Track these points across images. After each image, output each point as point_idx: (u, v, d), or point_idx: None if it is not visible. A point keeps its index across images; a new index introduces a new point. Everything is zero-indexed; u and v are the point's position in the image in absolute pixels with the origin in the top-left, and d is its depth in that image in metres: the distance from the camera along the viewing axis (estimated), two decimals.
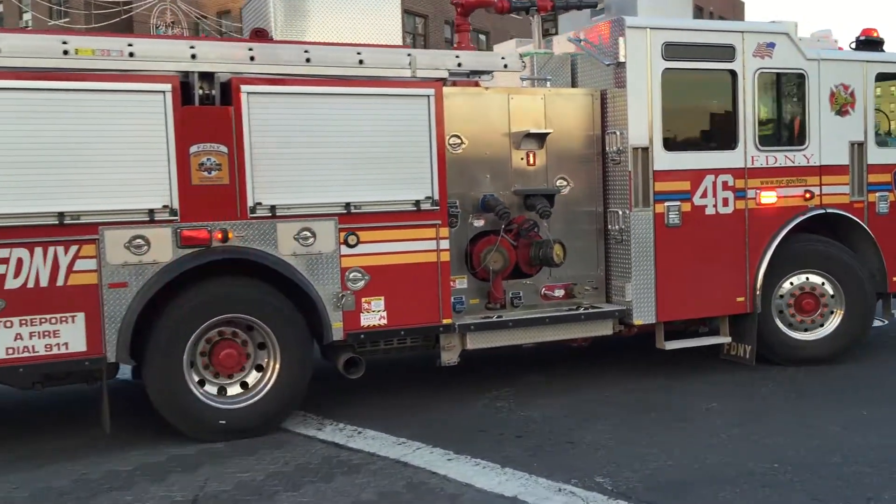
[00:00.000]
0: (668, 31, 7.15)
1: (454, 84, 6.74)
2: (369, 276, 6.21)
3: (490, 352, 6.95)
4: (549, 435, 5.93)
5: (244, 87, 5.80)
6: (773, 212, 7.60)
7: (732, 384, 7.24)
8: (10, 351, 5.34)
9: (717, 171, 7.38)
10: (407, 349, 6.76)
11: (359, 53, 6.16)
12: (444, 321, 6.48)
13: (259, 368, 6.07)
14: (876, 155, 8.06)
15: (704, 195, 7.35)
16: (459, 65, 6.51)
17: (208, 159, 5.76)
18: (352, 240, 6.15)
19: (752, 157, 7.50)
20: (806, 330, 7.78)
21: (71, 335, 5.47)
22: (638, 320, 7.13)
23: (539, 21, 7.99)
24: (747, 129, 7.45)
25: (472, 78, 6.80)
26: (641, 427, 6.08)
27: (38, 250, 5.37)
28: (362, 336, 6.26)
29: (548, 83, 7.38)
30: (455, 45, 7.55)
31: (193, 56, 5.71)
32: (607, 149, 7.23)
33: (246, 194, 5.85)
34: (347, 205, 6.12)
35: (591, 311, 7.09)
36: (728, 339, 7.66)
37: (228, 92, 5.82)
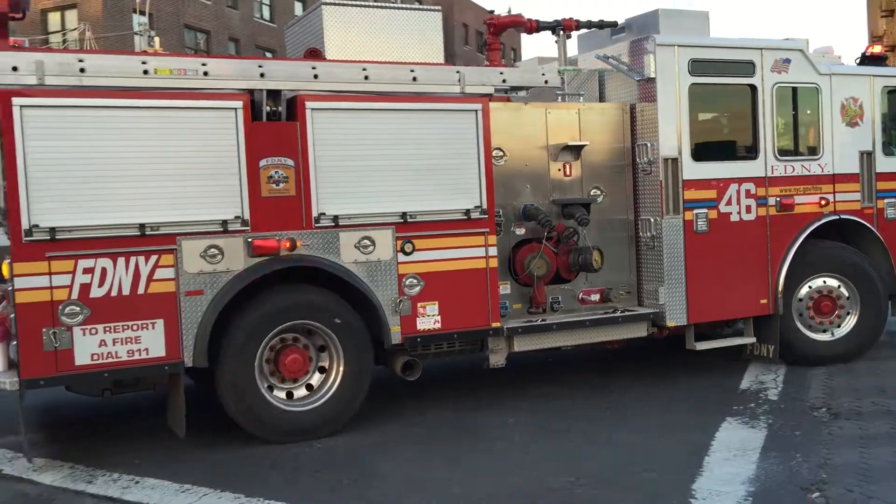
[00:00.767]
0: (694, 48, 7.58)
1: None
2: (424, 283, 6.53)
3: (530, 354, 7.31)
4: (350, 468, 5.58)
5: (308, 104, 6.12)
6: (791, 218, 8.03)
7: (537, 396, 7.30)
8: (96, 357, 5.58)
9: (740, 180, 7.80)
10: (455, 352, 7.08)
11: (412, 71, 6.51)
12: (494, 325, 6.80)
13: (321, 370, 6.35)
14: (883, 164, 8.54)
15: (729, 203, 7.76)
16: (504, 81, 6.89)
17: (276, 172, 6.06)
18: (408, 248, 6.46)
19: (772, 167, 7.93)
20: (824, 331, 8.20)
21: (151, 341, 5.72)
22: (671, 322, 7.50)
23: (564, 40, 8.38)
24: (767, 140, 7.89)
25: (512, 93, 7.17)
26: (446, 452, 5.89)
27: (121, 260, 5.63)
28: (419, 339, 6.56)
29: (581, 98, 7.77)
30: (486, 63, 7.92)
31: (262, 75, 6.02)
32: (637, 159, 7.62)
33: (311, 205, 6.15)
34: (404, 214, 6.44)
35: (627, 314, 7.46)
36: (753, 340, 8.05)
37: (294, 108, 6.14)
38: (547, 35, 8.12)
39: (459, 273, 6.66)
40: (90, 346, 5.56)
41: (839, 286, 8.24)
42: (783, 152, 8.01)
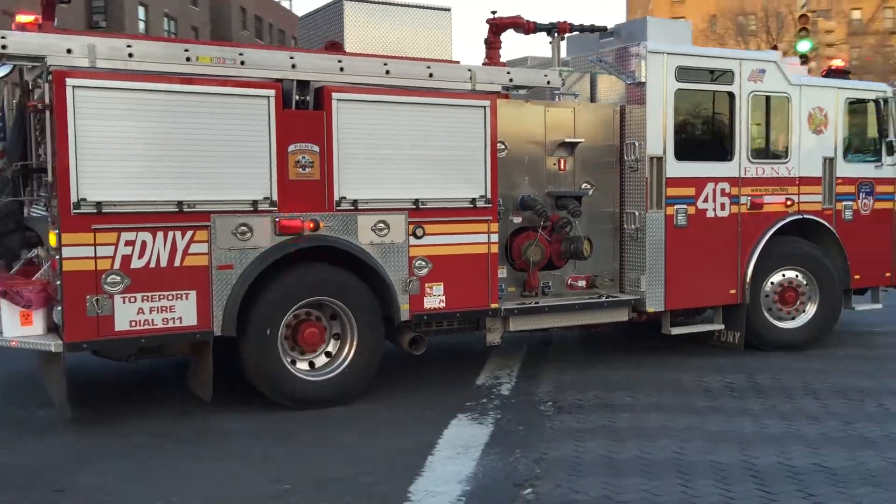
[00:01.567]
0: (681, 56, 8.21)
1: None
2: (432, 265, 7.05)
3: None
4: (35, 485, 5.09)
5: (335, 94, 6.58)
6: (760, 216, 8.74)
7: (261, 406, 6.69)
8: (134, 323, 5.98)
9: (716, 180, 8.47)
10: (455, 331, 7.62)
11: (429, 68, 7.00)
12: (493, 306, 7.36)
13: (336, 337, 6.84)
14: (843, 169, 9.31)
15: (706, 200, 8.43)
16: (511, 80, 7.42)
17: (303, 157, 6.51)
18: (419, 232, 6.97)
19: (745, 168, 8.62)
20: (791, 319, 8.96)
21: (184, 311, 6.14)
22: (651, 308, 8.16)
23: (558, 41, 8.94)
24: (742, 143, 8.58)
25: (518, 92, 7.71)
26: (167, 458, 5.56)
27: (160, 234, 6.03)
28: (425, 317, 7.09)
29: (576, 98, 8.34)
30: (485, 62, 8.42)
31: (293, 66, 6.45)
32: (625, 157, 8.23)
33: (333, 189, 6.62)
34: (416, 201, 6.94)
35: (611, 299, 8.09)
36: (721, 327, 8.76)
37: (321, 98, 6.58)
38: (510, 33, 8.57)
39: (464, 257, 7.19)
40: (129, 314, 5.96)
41: (802, 279, 9.00)
42: (755, 155, 8.70)
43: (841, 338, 9.55)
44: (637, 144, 8.10)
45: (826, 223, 9.19)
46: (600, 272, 8.23)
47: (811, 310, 9.08)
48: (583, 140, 8.00)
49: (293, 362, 6.65)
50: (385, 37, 7.38)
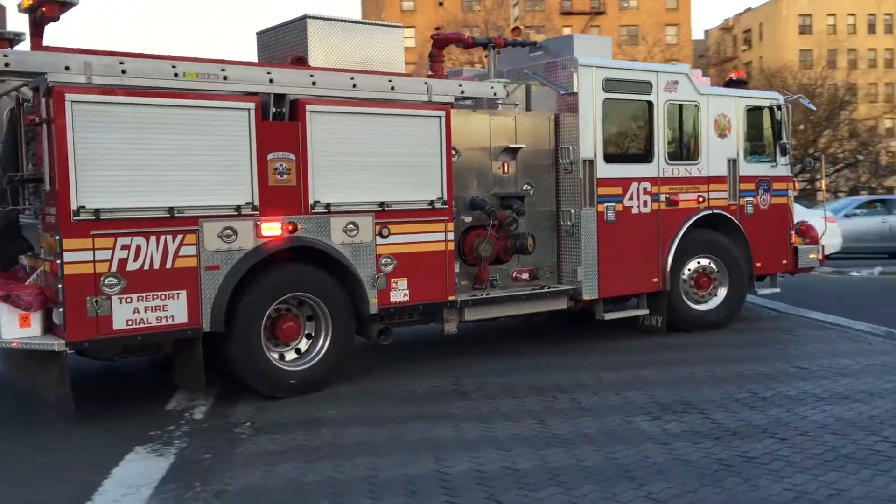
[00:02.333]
0: (607, 69, 9.15)
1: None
2: (396, 262, 7.69)
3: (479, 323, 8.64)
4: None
5: (308, 107, 7.13)
6: (677, 212, 9.78)
7: None
8: (130, 322, 6.38)
9: (639, 180, 9.45)
10: (415, 322, 8.28)
11: (390, 81, 7.64)
12: (450, 298, 8.06)
13: (308, 337, 7.39)
14: (745, 169, 10.47)
15: (631, 198, 9.39)
16: (462, 92, 8.15)
17: (281, 165, 7.04)
18: (385, 231, 7.60)
19: (663, 169, 9.64)
20: (705, 302, 10.05)
21: (176, 309, 6.57)
22: (587, 296, 9.04)
23: (494, 55, 9.72)
24: (660, 147, 9.59)
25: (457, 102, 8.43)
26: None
27: (153, 238, 6.45)
28: (392, 310, 7.72)
29: (516, 108, 9.13)
30: (429, 74, 9.12)
31: (271, 80, 6.98)
32: (560, 160, 9.09)
33: (308, 194, 7.17)
34: (382, 203, 7.57)
35: (552, 289, 8.93)
36: (646, 312, 9.75)
37: (295, 110, 7.12)
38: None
39: (424, 254, 7.86)
40: (126, 313, 6.35)
41: (713, 266, 10.10)
42: (671, 157, 9.73)
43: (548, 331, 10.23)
44: (571, 149, 8.98)
45: (732, 217, 10.32)
46: (541, 265, 9.06)
47: (722, 293, 10.20)
48: (524, 146, 8.80)
49: (281, 357, 7.17)
50: (344, 51, 7.97)
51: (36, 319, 6.33)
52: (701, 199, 10.01)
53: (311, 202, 7.19)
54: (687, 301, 9.93)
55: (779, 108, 10.81)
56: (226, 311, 6.78)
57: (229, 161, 6.79)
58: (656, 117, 9.53)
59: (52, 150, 6.12)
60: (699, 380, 7.60)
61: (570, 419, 6.39)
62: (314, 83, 7.21)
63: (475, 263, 8.49)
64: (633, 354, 8.90)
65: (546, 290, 8.89)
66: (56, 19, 6.41)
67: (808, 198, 30.42)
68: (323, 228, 7.28)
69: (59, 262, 6.13)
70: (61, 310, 6.15)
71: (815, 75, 49.71)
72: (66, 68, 6.11)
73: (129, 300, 6.37)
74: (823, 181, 15.42)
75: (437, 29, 9.35)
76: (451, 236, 8.04)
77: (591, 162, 9.02)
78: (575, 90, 8.90)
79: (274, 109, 7.04)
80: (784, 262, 11.03)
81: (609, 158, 9.17)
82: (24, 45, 6.98)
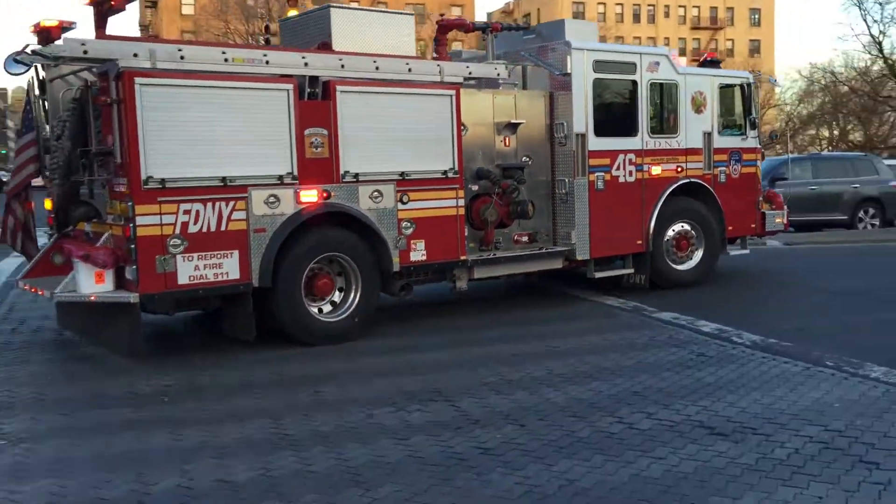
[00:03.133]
0: (597, 51, 10.14)
1: None
2: (415, 225, 8.64)
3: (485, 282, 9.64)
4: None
5: (338, 87, 8.04)
6: (659, 181, 10.83)
7: None
8: (192, 278, 7.28)
9: (625, 152, 10.47)
10: (430, 280, 9.27)
11: (407, 64, 8.56)
12: (462, 258, 9.04)
13: (340, 291, 8.34)
14: (718, 141, 11.54)
15: (618, 168, 10.42)
16: (470, 73, 9.09)
17: (316, 139, 7.94)
18: (405, 198, 8.55)
19: (646, 142, 10.67)
20: (682, 262, 11.14)
21: (230, 267, 7.49)
22: (580, 257, 10.08)
23: (491, 38, 10.65)
24: (643, 122, 10.61)
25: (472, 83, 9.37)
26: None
27: (210, 204, 7.34)
28: (412, 268, 8.69)
29: (516, 87, 10.09)
30: (434, 56, 10.03)
31: (306, 64, 7.86)
32: (555, 134, 10.08)
33: (339, 164, 8.09)
34: (402, 173, 8.50)
35: (551, 250, 9.96)
36: (632, 271, 10.80)
37: (327, 90, 8.02)
38: None
39: (439, 218, 8.82)
40: (188, 270, 7.26)
41: (691, 230, 11.19)
42: (653, 132, 10.76)
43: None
44: (565, 124, 9.97)
45: (707, 185, 11.40)
46: (539, 229, 10.07)
47: (699, 254, 11.30)
48: (524, 121, 9.78)
49: (319, 311, 8.12)
50: (363, 37, 8.84)
51: (109, 277, 7.21)
52: (679, 170, 11.07)
53: (341, 172, 8.11)
54: (669, 262, 11.01)
55: (748, 85, 11.89)
56: (272, 269, 7.71)
57: (272, 135, 7.68)
58: (640, 95, 10.55)
59: (123, 127, 6.99)
60: (454, 364, 7.32)
61: (307, 416, 5.83)
62: (343, 66, 8.11)
63: (481, 227, 9.46)
64: (397, 338, 8.39)
65: (544, 251, 9.91)
66: (123, 10, 7.23)
67: None
68: (352, 195, 8.21)
69: (131, 225, 7.01)
70: (134, 267, 7.04)
71: None
72: (135, 55, 6.96)
73: (190, 258, 7.27)
74: None
75: (442, 15, 10.14)
76: (461, 203, 9.00)
77: (583, 136, 10.02)
78: (568, 71, 9.88)
79: (309, 90, 7.93)
80: (753, 225, 12.16)
81: (599, 132, 10.17)
82: (75, 33, 7.76)
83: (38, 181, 8.63)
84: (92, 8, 7.35)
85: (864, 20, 59.54)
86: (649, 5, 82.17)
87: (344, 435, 5.48)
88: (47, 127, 8.35)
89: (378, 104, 8.34)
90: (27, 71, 8.23)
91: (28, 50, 7.29)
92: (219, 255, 7.44)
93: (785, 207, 12.66)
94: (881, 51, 38.65)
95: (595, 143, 10.14)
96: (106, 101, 7.06)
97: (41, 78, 8.33)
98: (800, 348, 7.60)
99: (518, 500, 4.44)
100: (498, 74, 9.40)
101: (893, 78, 39.32)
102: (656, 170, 10.78)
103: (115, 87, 7.00)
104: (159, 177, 7.07)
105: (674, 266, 11.08)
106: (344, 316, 8.29)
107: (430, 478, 4.74)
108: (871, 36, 39.49)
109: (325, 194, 8.00)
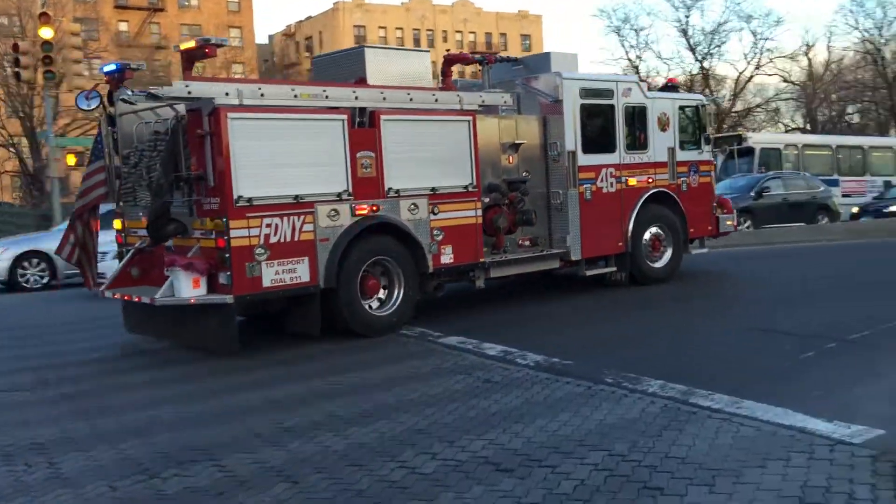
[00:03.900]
0: (582, 80, 11.81)
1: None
2: (444, 233, 10.07)
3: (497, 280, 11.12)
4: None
5: (382, 116, 9.45)
6: (635, 191, 12.53)
7: None
8: (273, 281, 8.56)
9: (607, 166, 12.14)
10: (453, 280, 10.71)
11: (433, 95, 10.03)
12: (481, 260, 10.52)
13: (384, 289, 9.71)
14: (680, 156, 13.33)
15: (602, 180, 12.07)
16: (483, 102, 10.61)
17: (365, 161, 9.32)
18: (436, 210, 9.98)
19: (623, 158, 12.37)
20: (656, 261, 12.87)
21: (302, 271, 8.79)
22: (574, 257, 11.67)
23: (487, 69, 12.21)
24: (620, 140, 12.30)
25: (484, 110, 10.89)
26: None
27: (286, 219, 8.64)
28: (442, 270, 10.12)
29: (515, 112, 11.65)
30: (440, 87, 11.50)
31: (356, 97, 9.25)
32: (549, 153, 11.67)
33: (384, 182, 9.48)
34: (433, 188, 9.94)
35: (550, 252, 11.53)
36: (614, 269, 12.46)
37: (373, 119, 9.42)
38: None
39: (462, 227, 10.28)
40: (270, 274, 8.54)
41: (662, 232, 12.93)
42: (629, 148, 12.47)
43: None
44: (558, 143, 11.58)
45: (672, 194, 13.16)
46: (538, 234, 11.63)
47: (668, 253, 13.05)
48: (524, 141, 11.34)
49: (370, 307, 9.47)
50: (391, 72, 10.28)
51: (203, 282, 8.42)
52: (650, 181, 12.80)
53: (386, 188, 9.51)
54: (646, 260, 12.72)
55: (703, 106, 13.75)
56: (336, 272, 9.03)
57: (331, 159, 9.04)
58: (617, 117, 12.25)
59: (216, 155, 8.24)
60: (220, 414, 6.59)
61: (36, 496, 4.94)
62: (384, 98, 9.54)
63: (493, 234, 10.96)
64: (148, 390, 7.60)
65: (545, 253, 11.48)
66: (214, 55, 8.50)
67: None
68: (395, 208, 9.61)
69: (226, 237, 8.25)
70: (228, 273, 8.29)
71: None
72: (226, 94, 8.24)
73: (271, 265, 8.56)
74: None
75: (448, 50, 11.66)
76: (479, 213, 10.49)
77: (574, 153, 11.65)
78: (560, 98, 11.50)
79: (358, 119, 9.31)
80: (709, 228, 13.99)
81: (586, 150, 11.82)
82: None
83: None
84: (181, 53, 8.58)
85: (623, 45, 66.13)
86: (428, 30, 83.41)
87: None
88: (116, 156, 9.52)
89: (412, 130, 9.78)
90: (98, 106, 9.40)
91: (128, 90, 8.49)
92: (293, 262, 8.73)
93: (734, 211, 14.55)
94: (637, 72, 42.62)
95: (583, 159, 11.78)
96: (200, 133, 8.30)
97: (110, 113, 9.50)
98: (581, 366, 7.46)
99: None
100: (504, 102, 10.96)
101: None
102: (633, 181, 12.48)
103: (208, 121, 8.26)
104: (247, 196, 8.35)
105: (651, 264, 12.79)
106: (391, 311, 9.66)
107: None
108: (629, 60, 43.36)
109: (373, 208, 9.38)
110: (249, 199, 8.37)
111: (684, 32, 56.13)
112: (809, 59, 58.95)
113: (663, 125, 13.04)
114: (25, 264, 17.17)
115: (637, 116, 12.66)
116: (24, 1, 41.00)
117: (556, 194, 11.69)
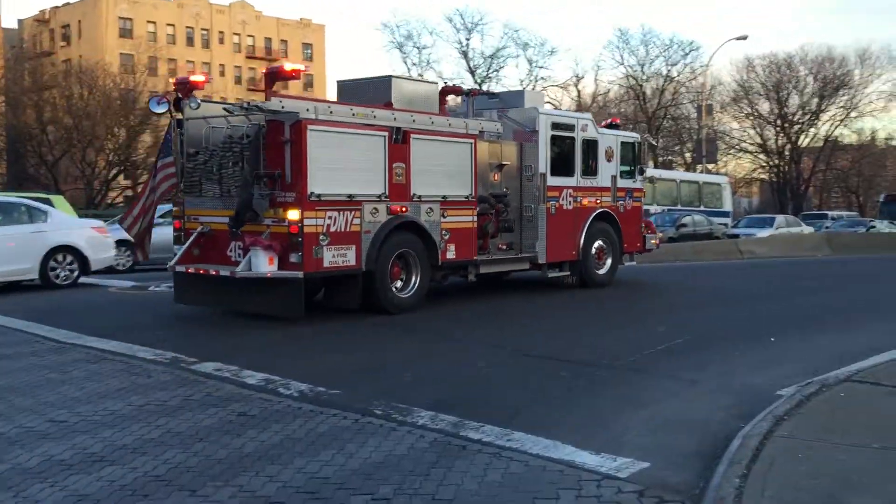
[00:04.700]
0: (553, 115, 14.39)
1: None
2: (450, 233, 12.32)
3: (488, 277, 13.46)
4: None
5: (412, 135, 11.64)
6: (586, 209, 15.16)
7: None
8: (331, 263, 10.57)
9: (568, 187, 14.71)
10: (453, 273, 12.95)
11: (447, 120, 12.32)
12: (475, 258, 12.82)
13: (403, 276, 11.83)
14: (620, 182, 16.09)
15: (563, 199, 14.63)
16: (482, 128, 12.97)
17: (399, 170, 11.47)
18: (445, 214, 12.22)
19: (580, 181, 14.99)
20: (601, 268, 15.53)
21: (351, 256, 10.82)
22: (541, 261, 14.14)
23: (472, 101, 14.57)
24: (577, 166, 14.92)
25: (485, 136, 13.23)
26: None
27: (341, 213, 10.67)
28: (447, 264, 12.35)
29: (498, 138, 14.04)
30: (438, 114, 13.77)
31: (395, 119, 11.42)
32: (524, 173, 14.13)
33: (411, 189, 11.65)
34: (444, 196, 12.18)
35: (522, 256, 13.95)
36: (568, 273, 15.01)
37: (405, 137, 11.59)
38: None
39: (463, 229, 12.55)
40: (329, 257, 10.54)
41: (605, 245, 15.61)
42: (584, 174, 15.10)
43: None
44: (532, 166, 14.05)
45: (613, 214, 15.89)
46: (512, 240, 14.04)
47: (609, 262, 15.74)
48: (507, 163, 13.77)
49: (395, 289, 11.58)
50: (410, 98, 12.48)
51: (276, 260, 10.32)
52: (598, 202, 15.48)
53: (412, 194, 11.68)
54: (592, 267, 15.35)
55: (638, 143, 16.61)
56: (375, 258, 11.11)
57: (375, 167, 11.15)
58: (576, 147, 14.87)
59: (295, 158, 10.21)
60: None
61: None
62: (414, 121, 11.74)
63: (481, 237, 13.28)
64: None
65: (520, 255, 13.91)
66: (298, 79, 10.46)
67: None
68: (417, 211, 11.78)
69: (300, 225, 10.21)
70: (300, 253, 10.23)
71: (136, 80, 52.59)
72: (307, 110, 10.24)
73: (330, 249, 10.56)
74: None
75: (445, 83, 13.98)
76: (475, 219, 12.79)
77: (544, 175, 14.16)
78: (537, 129, 14.01)
79: (395, 136, 11.47)
80: (639, 244, 16.81)
81: (553, 173, 14.35)
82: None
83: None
84: (265, 73, 10.52)
85: (405, 62, 64.51)
86: (203, 30, 79.87)
87: None
88: (182, 155, 11.28)
89: (432, 147, 12.00)
90: (166, 112, 11.20)
91: (226, 102, 10.30)
92: (345, 248, 10.77)
93: (658, 232, 17.46)
94: None
95: (551, 180, 14.31)
96: (281, 140, 10.24)
97: (178, 118, 11.26)
98: (349, 396, 6.92)
99: None
100: (498, 129, 13.36)
101: None
102: (585, 201, 15.12)
103: (289, 131, 10.22)
104: (317, 192, 10.35)
105: (596, 271, 15.43)
106: (409, 295, 11.80)
107: None
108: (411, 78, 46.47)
109: (403, 209, 11.53)
110: (318, 195, 10.36)
111: (465, 54, 58.32)
112: (579, 91, 61.70)
113: (609, 156, 15.77)
114: (59, 258, 15.38)
115: (591, 148, 15.33)
116: None
117: (528, 208, 14.14)
